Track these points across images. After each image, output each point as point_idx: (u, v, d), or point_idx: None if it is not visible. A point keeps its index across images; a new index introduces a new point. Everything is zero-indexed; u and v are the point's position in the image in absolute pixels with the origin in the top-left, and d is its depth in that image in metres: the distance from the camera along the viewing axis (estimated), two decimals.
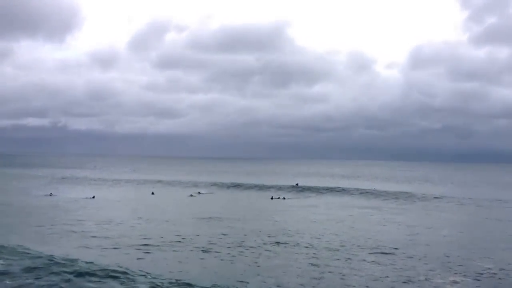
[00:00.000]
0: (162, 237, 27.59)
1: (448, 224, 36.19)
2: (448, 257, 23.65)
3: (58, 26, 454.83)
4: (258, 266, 21.50)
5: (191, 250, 24.45)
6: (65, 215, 37.58)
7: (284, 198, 57.22)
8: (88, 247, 24.57)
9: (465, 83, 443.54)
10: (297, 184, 70.12)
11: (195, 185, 71.67)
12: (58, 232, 29.18)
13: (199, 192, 63.70)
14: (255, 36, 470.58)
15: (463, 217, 40.70)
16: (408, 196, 54.70)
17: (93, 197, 52.88)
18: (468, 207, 47.13)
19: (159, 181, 76.14)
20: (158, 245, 25.26)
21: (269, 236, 28.91)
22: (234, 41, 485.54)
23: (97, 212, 39.82)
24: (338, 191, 61.61)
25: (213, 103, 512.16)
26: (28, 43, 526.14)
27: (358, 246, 26.17)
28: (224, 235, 29.15)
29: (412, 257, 23.44)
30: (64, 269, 18.03)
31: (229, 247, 25.22)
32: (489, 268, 21.26)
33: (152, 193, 60.68)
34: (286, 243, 26.72)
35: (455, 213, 43.02)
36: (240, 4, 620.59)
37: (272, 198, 56.88)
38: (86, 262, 19.30)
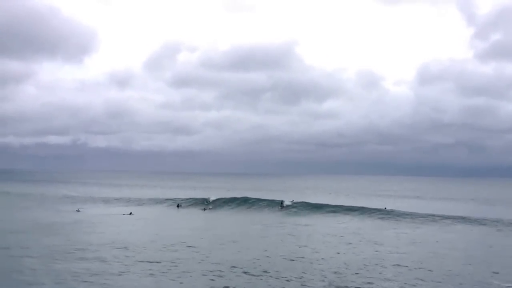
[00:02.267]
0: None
1: (465, 243, 36.46)
2: (463, 274, 24.23)
3: (77, 48, 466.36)
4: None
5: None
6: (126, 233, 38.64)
7: (293, 201, 62.78)
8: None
9: (473, 98, 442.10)
10: (286, 204, 63.73)
11: (209, 199, 72.90)
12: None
13: (207, 201, 67.12)
14: (264, 55, 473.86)
15: (482, 236, 40.74)
16: (423, 214, 53.48)
17: (130, 213, 54.44)
18: (487, 225, 46.62)
19: (177, 198, 77.67)
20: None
21: (277, 248, 29.61)
22: (245, 60, 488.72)
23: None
24: (348, 209, 58.38)
25: (226, 120, 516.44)
26: (49, 64, 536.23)
27: (376, 263, 26.62)
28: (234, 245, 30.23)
29: (429, 275, 23.96)
30: None
31: (239, 265, 26.08)
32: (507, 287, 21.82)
33: (178, 206, 66.02)
34: (297, 260, 27.37)
35: (472, 232, 42.93)
36: (249, 24, 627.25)
37: (281, 204, 61.01)
38: None
